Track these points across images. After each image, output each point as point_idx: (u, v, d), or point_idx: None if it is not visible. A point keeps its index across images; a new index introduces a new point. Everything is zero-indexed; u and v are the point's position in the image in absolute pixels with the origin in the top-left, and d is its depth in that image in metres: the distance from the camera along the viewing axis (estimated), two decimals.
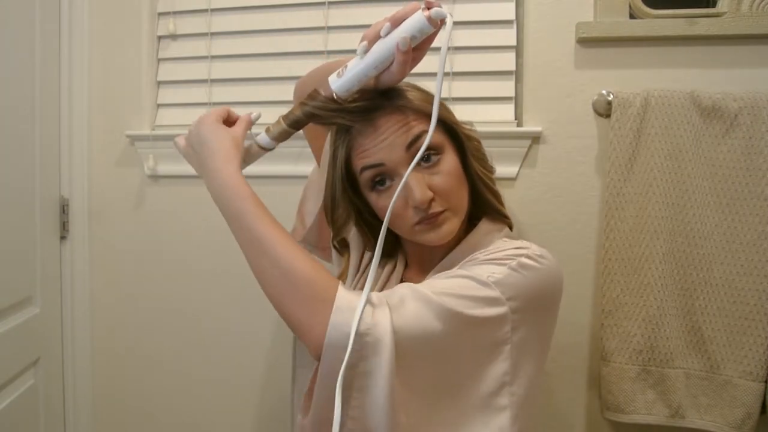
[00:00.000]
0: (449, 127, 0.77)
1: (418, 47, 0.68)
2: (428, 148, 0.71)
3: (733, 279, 1.02)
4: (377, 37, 0.68)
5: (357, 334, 0.59)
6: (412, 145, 0.72)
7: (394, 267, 0.87)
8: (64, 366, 1.34)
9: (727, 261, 1.03)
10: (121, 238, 1.35)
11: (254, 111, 0.79)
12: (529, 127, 1.17)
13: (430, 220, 0.73)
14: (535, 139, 1.17)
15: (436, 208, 0.73)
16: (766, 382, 1.01)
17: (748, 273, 1.01)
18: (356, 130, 0.74)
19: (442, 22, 0.66)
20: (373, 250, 0.88)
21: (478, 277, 0.67)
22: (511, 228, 0.85)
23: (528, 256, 0.70)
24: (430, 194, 0.72)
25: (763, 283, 1.01)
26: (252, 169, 1.26)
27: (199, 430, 1.35)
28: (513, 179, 1.18)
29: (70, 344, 1.34)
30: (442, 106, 0.76)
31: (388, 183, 0.74)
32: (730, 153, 1.02)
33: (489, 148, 1.15)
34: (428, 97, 0.76)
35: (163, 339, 1.35)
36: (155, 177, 1.33)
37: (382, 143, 0.72)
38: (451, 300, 0.64)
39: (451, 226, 0.75)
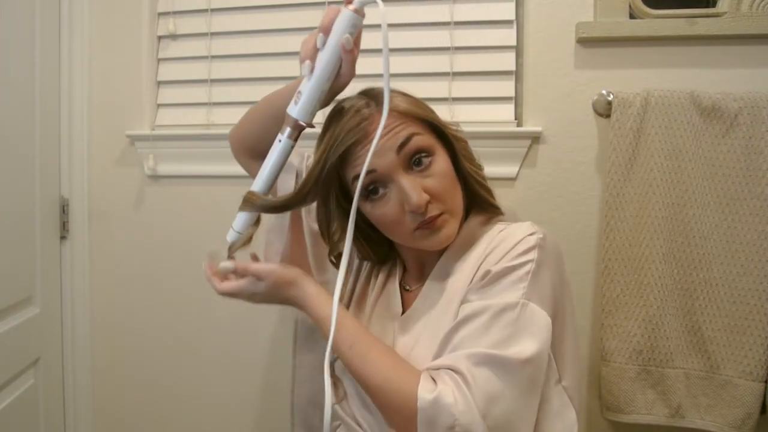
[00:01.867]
0: (437, 129, 0.76)
1: (354, 42, 0.70)
2: (420, 151, 0.72)
3: (733, 279, 1.02)
4: (316, 51, 0.70)
5: None
6: (402, 147, 0.71)
7: (388, 274, 0.86)
8: (64, 366, 1.34)
9: (727, 261, 1.03)
10: (121, 238, 1.35)
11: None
12: (529, 127, 1.17)
13: (429, 224, 0.72)
14: (535, 139, 1.17)
15: (433, 211, 0.72)
16: (766, 382, 1.01)
17: (748, 273, 1.01)
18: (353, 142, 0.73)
19: (360, 12, 0.70)
20: (370, 261, 0.88)
21: (513, 304, 0.66)
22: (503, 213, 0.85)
23: (537, 262, 0.69)
24: (426, 197, 0.71)
25: (763, 283, 1.01)
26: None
27: (200, 429, 1.35)
28: (513, 179, 1.18)
29: (70, 344, 1.34)
30: (427, 108, 0.77)
31: (381, 191, 0.73)
32: (730, 153, 1.02)
33: (489, 148, 1.16)
34: (413, 100, 0.76)
35: (163, 339, 1.35)
36: (155, 177, 1.33)
37: (373, 150, 0.70)
38: (511, 347, 0.64)
39: (450, 229, 0.74)
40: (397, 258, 0.87)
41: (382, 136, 0.69)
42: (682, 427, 1.07)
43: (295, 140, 0.73)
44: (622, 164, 1.07)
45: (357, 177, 0.71)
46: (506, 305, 0.66)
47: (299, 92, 0.71)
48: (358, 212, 0.76)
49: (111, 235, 1.35)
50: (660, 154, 1.06)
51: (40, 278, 1.25)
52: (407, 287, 0.84)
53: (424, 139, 0.73)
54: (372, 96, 0.75)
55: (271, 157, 0.74)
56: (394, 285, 0.85)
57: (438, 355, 0.68)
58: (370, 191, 0.73)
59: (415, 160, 0.72)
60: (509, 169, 1.18)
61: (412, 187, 0.70)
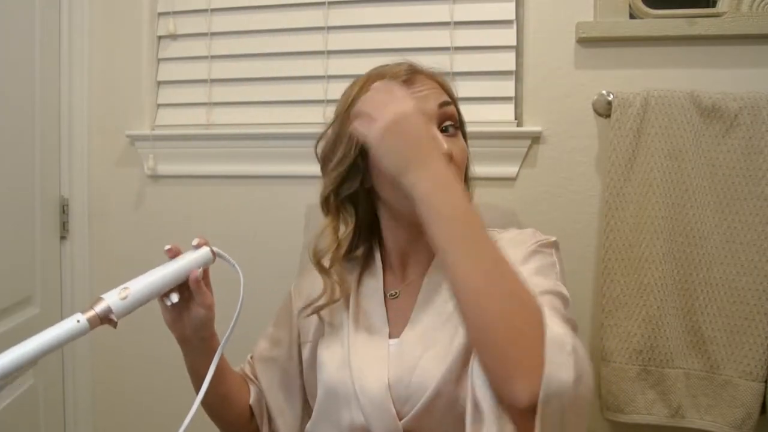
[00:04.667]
0: (460, 113, 0.78)
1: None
2: (452, 119, 0.74)
3: (733, 279, 1.02)
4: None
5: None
6: (444, 106, 0.73)
7: (363, 274, 0.80)
8: (64, 366, 1.34)
9: (727, 261, 1.03)
10: (121, 238, 1.35)
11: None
12: (529, 127, 1.17)
13: None
14: (535, 139, 1.17)
15: None
16: (766, 382, 1.01)
17: (748, 273, 1.01)
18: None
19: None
20: (363, 234, 0.81)
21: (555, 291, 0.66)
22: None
23: (556, 264, 0.72)
24: (450, 151, 0.70)
25: (763, 283, 1.01)
26: (252, 168, 1.28)
27: (199, 429, 1.35)
28: (513, 179, 1.18)
29: (70, 344, 1.34)
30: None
31: None
32: (730, 153, 1.02)
33: (489, 148, 1.16)
34: (448, 82, 0.79)
35: (163, 339, 1.34)
36: (155, 177, 1.33)
37: (417, 93, 0.72)
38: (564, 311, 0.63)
39: None
40: (374, 253, 0.81)
41: (427, 89, 0.72)
42: (682, 427, 1.07)
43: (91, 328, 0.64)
44: (622, 164, 1.07)
45: None
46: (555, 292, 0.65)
47: (127, 287, 0.69)
48: (357, 176, 0.74)
49: (111, 235, 1.35)
50: (660, 154, 1.06)
51: (40, 278, 1.25)
52: (392, 293, 0.78)
53: (455, 111, 0.75)
54: (418, 67, 0.76)
55: (54, 330, 0.61)
56: (378, 293, 0.78)
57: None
58: None
59: (445, 127, 0.73)
60: (509, 169, 1.18)
61: (442, 138, 0.71)
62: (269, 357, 0.88)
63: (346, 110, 0.73)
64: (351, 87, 0.77)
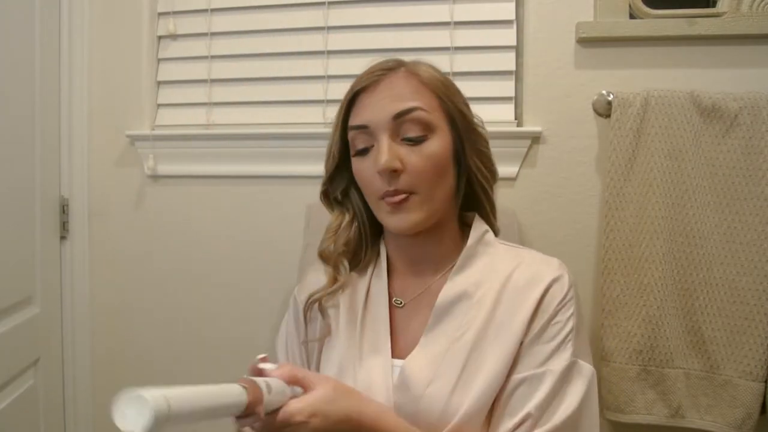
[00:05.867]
0: (452, 112, 0.73)
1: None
2: (417, 126, 0.70)
3: (733, 279, 1.02)
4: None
5: None
6: (400, 116, 0.69)
7: (371, 277, 0.79)
8: (64, 366, 1.34)
9: (727, 261, 1.03)
10: (121, 238, 1.35)
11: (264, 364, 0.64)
12: (529, 127, 1.17)
13: (393, 199, 0.69)
14: (535, 139, 1.17)
15: (401, 185, 0.69)
16: (766, 382, 1.01)
17: (748, 273, 1.01)
18: (363, 88, 0.73)
19: None
20: (370, 236, 0.81)
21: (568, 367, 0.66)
22: (496, 234, 0.80)
23: (576, 315, 0.69)
24: (397, 164, 0.68)
25: (763, 283, 1.01)
26: (252, 168, 1.28)
27: (199, 430, 1.35)
28: (513, 179, 1.18)
29: (70, 344, 1.34)
30: (452, 89, 0.75)
31: (370, 150, 0.72)
32: (730, 153, 1.02)
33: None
34: (440, 77, 0.74)
35: (163, 339, 1.35)
36: (155, 177, 1.33)
37: (375, 102, 0.71)
38: (561, 409, 0.64)
39: (416, 216, 0.70)
40: (378, 258, 0.80)
41: (390, 96, 0.70)
42: (682, 427, 1.07)
43: None
44: (622, 164, 1.07)
45: (350, 128, 0.73)
46: (562, 372, 0.65)
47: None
48: (343, 175, 0.78)
49: (111, 235, 1.35)
50: (660, 154, 1.06)
51: (40, 278, 1.25)
52: (399, 301, 0.77)
53: (426, 116, 0.70)
54: (405, 62, 0.75)
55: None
56: (382, 290, 0.77)
57: (481, 402, 0.65)
58: (362, 149, 0.73)
59: (409, 136, 0.70)
60: (509, 169, 1.18)
61: (387, 149, 0.69)
62: None
63: (340, 112, 0.76)
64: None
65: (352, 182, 0.78)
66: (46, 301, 1.27)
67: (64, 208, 1.32)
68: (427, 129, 0.70)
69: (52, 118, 1.28)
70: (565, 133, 1.16)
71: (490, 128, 1.15)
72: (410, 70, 0.73)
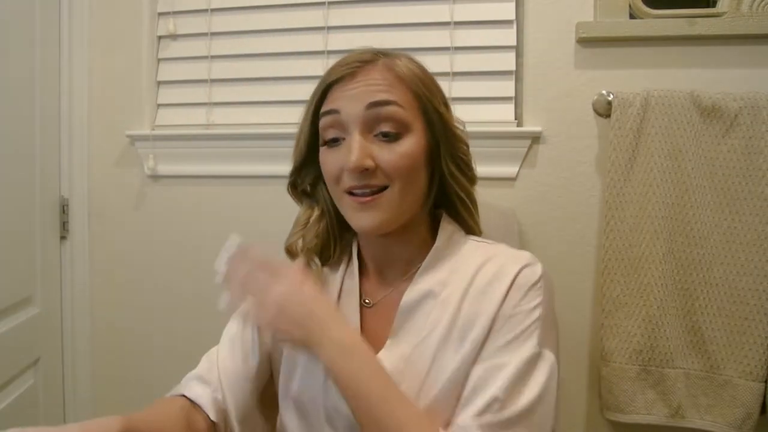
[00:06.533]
0: (429, 111, 0.70)
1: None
2: (389, 122, 0.67)
3: (733, 279, 1.02)
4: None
5: None
6: (374, 106, 0.66)
7: (344, 276, 0.77)
8: (64, 366, 1.34)
9: (727, 261, 1.03)
10: (121, 238, 1.35)
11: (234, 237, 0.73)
12: (529, 127, 1.17)
13: (362, 197, 0.67)
14: (535, 139, 1.17)
15: (374, 180, 0.66)
16: (766, 382, 1.01)
17: (748, 273, 1.01)
18: (337, 79, 0.69)
19: None
20: (340, 234, 0.80)
21: (533, 356, 0.63)
22: (478, 235, 0.78)
23: (544, 304, 0.66)
24: (369, 162, 0.65)
25: (763, 283, 1.01)
26: (252, 168, 1.28)
27: None
28: (513, 179, 1.18)
29: (70, 344, 1.34)
30: (432, 87, 0.71)
31: (339, 141, 0.69)
32: (730, 153, 1.02)
33: (489, 148, 1.16)
34: (420, 73, 0.71)
35: (163, 339, 1.35)
36: (155, 177, 1.33)
37: (349, 92, 0.67)
38: (521, 399, 0.61)
39: (383, 215, 0.67)
40: (350, 258, 0.78)
41: (361, 86, 0.67)
42: (682, 427, 1.07)
43: None
44: (622, 164, 1.07)
45: (323, 113, 0.69)
46: (527, 359, 0.63)
47: None
48: (310, 167, 0.76)
49: (111, 235, 1.35)
50: (660, 154, 1.06)
51: (40, 278, 1.25)
52: (367, 301, 0.75)
53: (401, 112, 0.67)
54: (384, 52, 0.70)
55: None
56: (353, 292, 0.75)
57: (439, 400, 0.64)
58: (331, 139, 0.69)
59: (383, 132, 0.67)
60: (509, 169, 1.18)
61: (358, 146, 0.65)
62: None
63: (311, 101, 0.72)
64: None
65: (320, 174, 0.75)
66: (46, 301, 1.27)
67: (64, 208, 1.32)
68: (402, 127, 0.67)
69: (52, 118, 1.28)
70: (565, 133, 1.16)
71: (490, 128, 1.17)
72: (388, 63, 0.69)
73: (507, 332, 0.65)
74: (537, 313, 0.65)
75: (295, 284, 0.65)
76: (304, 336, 0.63)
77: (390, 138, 0.67)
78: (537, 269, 0.68)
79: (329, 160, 0.70)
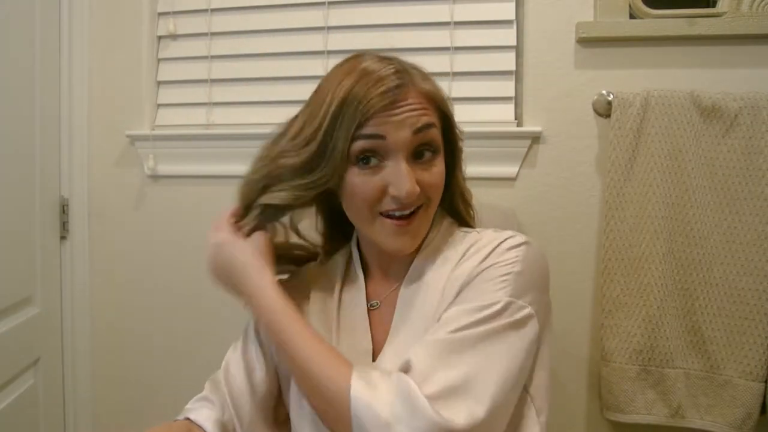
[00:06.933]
0: (450, 131, 0.73)
1: None
2: (430, 145, 0.68)
3: (733, 279, 1.02)
4: None
5: None
6: (420, 131, 0.67)
7: (343, 281, 0.78)
8: (64, 366, 1.34)
9: (727, 261, 1.03)
10: (121, 238, 1.35)
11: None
12: (529, 127, 1.17)
13: (402, 222, 0.68)
14: (535, 139, 1.17)
15: (416, 202, 0.68)
16: (766, 382, 1.01)
17: (748, 273, 1.01)
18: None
19: None
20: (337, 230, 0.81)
21: (492, 302, 0.63)
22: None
23: (523, 261, 0.66)
24: (418, 189, 0.66)
25: (763, 283, 1.01)
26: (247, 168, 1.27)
27: None
28: (513, 179, 1.18)
29: (70, 344, 1.34)
30: (444, 94, 0.73)
31: (374, 162, 0.67)
32: (730, 153, 1.02)
33: (489, 148, 1.16)
34: (433, 82, 0.72)
35: (163, 339, 1.35)
36: (155, 177, 1.33)
37: (394, 117, 0.66)
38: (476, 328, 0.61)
39: (418, 238, 0.71)
40: (353, 262, 0.79)
41: (406, 112, 0.66)
42: (682, 427, 1.07)
43: None
44: (622, 164, 1.07)
45: (364, 136, 0.66)
46: (487, 305, 0.63)
47: None
48: (330, 191, 0.71)
49: (111, 235, 1.35)
50: (660, 154, 1.06)
51: (40, 278, 1.25)
52: (372, 303, 0.76)
53: (436, 133, 0.69)
54: (399, 67, 0.69)
55: None
56: (361, 304, 0.76)
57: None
58: (363, 158, 0.67)
59: (419, 152, 0.68)
60: (509, 169, 1.18)
61: (409, 175, 0.66)
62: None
63: (350, 122, 0.68)
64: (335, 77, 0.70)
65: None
66: (46, 301, 1.27)
67: (64, 208, 1.32)
68: (437, 147, 0.70)
69: (52, 118, 1.28)
70: (565, 133, 1.16)
71: (490, 128, 1.17)
72: (413, 81, 0.69)
73: (479, 282, 0.66)
74: (513, 268, 0.65)
75: (228, 237, 0.74)
76: (232, 285, 0.73)
77: (426, 159, 0.69)
78: (519, 238, 0.69)
79: (364, 181, 0.67)
